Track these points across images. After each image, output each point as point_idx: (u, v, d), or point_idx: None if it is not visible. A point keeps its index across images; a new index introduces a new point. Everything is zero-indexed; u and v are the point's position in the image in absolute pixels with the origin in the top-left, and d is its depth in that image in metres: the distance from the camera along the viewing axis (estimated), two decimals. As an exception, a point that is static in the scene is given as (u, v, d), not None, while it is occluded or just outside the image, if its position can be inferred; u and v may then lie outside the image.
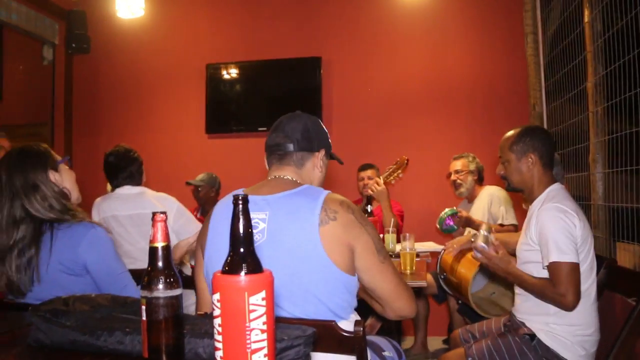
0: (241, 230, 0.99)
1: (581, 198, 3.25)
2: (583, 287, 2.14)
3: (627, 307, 2.41)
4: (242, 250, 0.98)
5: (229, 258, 0.98)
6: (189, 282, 2.69)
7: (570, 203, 2.19)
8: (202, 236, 1.73)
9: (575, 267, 2.05)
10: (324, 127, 1.80)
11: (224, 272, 0.98)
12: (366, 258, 1.57)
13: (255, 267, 0.98)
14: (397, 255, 2.99)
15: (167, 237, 1.09)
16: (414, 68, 4.86)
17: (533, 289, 2.18)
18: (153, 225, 1.08)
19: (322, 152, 1.76)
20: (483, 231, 2.35)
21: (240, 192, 1.68)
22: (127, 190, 3.02)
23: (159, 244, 1.08)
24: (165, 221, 1.09)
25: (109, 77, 5.41)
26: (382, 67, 4.90)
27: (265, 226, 1.56)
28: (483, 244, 2.30)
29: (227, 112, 5.14)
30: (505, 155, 2.37)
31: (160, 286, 1.06)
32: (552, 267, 2.08)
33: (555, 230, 2.10)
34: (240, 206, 1.01)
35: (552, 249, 2.08)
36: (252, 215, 1.53)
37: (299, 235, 1.53)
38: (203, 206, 4.49)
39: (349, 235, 1.54)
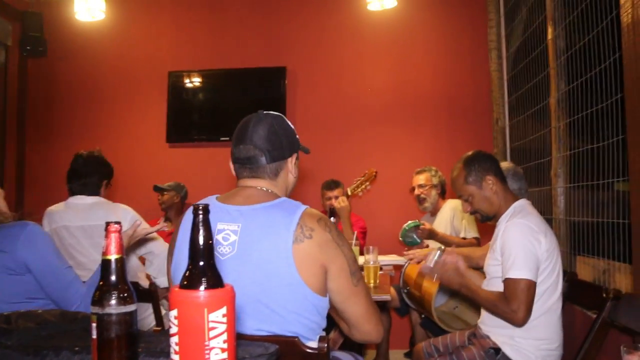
0: (201, 242, 0.93)
1: (542, 212, 3.27)
2: (549, 302, 2.15)
3: (587, 320, 2.43)
4: (201, 263, 0.93)
5: (188, 272, 0.93)
6: (146, 295, 2.62)
7: (536, 219, 2.20)
8: (171, 245, 1.65)
9: (531, 285, 2.06)
10: (290, 124, 1.69)
11: (182, 286, 0.92)
12: (340, 280, 1.51)
13: (215, 281, 0.92)
14: (360, 268, 2.94)
15: (121, 249, 1.02)
16: (379, 81, 4.86)
17: (485, 302, 2.19)
18: (106, 236, 1.01)
19: (294, 155, 1.68)
20: (437, 249, 2.37)
21: (212, 199, 1.62)
22: (80, 200, 2.87)
23: (113, 257, 1.01)
24: (119, 232, 1.02)
25: (67, 82, 5.25)
26: (348, 79, 4.89)
27: (236, 239, 1.48)
28: (435, 259, 2.31)
29: (189, 120, 5.04)
30: (465, 193, 2.34)
31: (113, 302, 0.99)
32: (509, 283, 2.08)
33: (518, 247, 2.10)
34: (201, 216, 0.95)
35: (512, 265, 2.08)
36: (224, 226, 1.51)
37: (271, 252, 1.46)
38: (167, 212, 4.42)
39: (324, 255, 1.48)
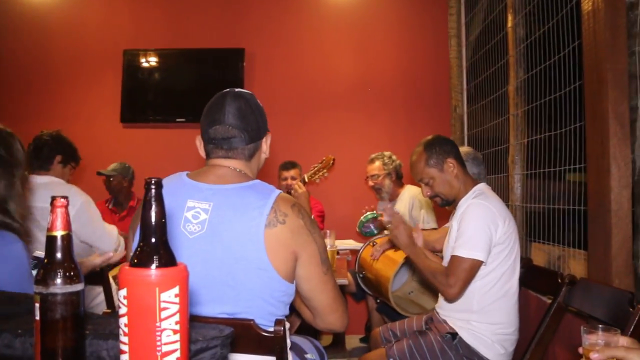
0: (153, 218, 0.88)
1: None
2: (506, 287, 2.17)
3: (542, 305, 2.47)
4: (153, 240, 0.87)
5: (139, 249, 0.87)
6: (97, 278, 2.52)
7: (497, 202, 2.20)
8: (135, 220, 1.59)
9: (475, 265, 2.08)
10: (259, 103, 1.66)
11: (132, 264, 0.87)
12: (310, 267, 1.49)
13: (168, 259, 0.87)
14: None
15: (67, 224, 0.96)
16: (338, 65, 4.83)
17: (426, 269, 2.18)
18: (52, 212, 0.95)
19: (268, 134, 1.65)
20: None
21: (183, 175, 1.56)
22: (31, 179, 2.74)
23: (58, 233, 0.95)
24: (66, 207, 0.96)
25: (14, 59, 5.00)
26: (306, 63, 4.84)
27: (206, 217, 1.44)
28: (397, 210, 2.30)
29: (144, 101, 4.89)
30: (425, 176, 2.31)
31: (58, 280, 0.93)
32: (455, 259, 2.10)
33: (474, 227, 2.11)
34: (153, 191, 0.89)
35: (463, 244, 2.10)
36: (194, 203, 1.47)
37: (243, 234, 1.42)
38: (116, 197, 4.28)
39: (296, 241, 1.46)
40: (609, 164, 1.79)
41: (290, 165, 4.15)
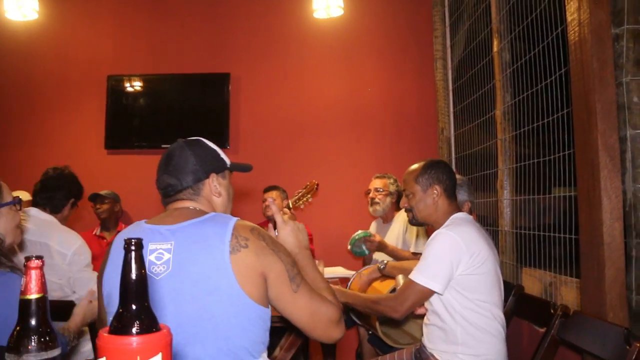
0: (133, 282, 0.84)
1: (488, 223, 3.29)
2: (489, 318, 2.12)
3: (535, 334, 2.43)
4: (134, 306, 0.83)
5: (118, 314, 0.83)
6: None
7: (469, 234, 2.15)
8: (101, 270, 1.58)
9: (426, 293, 2.13)
10: (210, 147, 1.68)
11: (111, 331, 0.82)
12: (278, 287, 1.48)
13: (149, 325, 0.83)
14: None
15: (42, 287, 0.91)
16: (325, 89, 4.80)
17: (365, 301, 2.30)
18: (26, 273, 0.90)
19: (212, 176, 1.64)
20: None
21: (141, 223, 1.58)
22: (34, 212, 2.72)
23: (33, 296, 0.90)
24: (41, 268, 0.91)
25: (-3, 85, 4.95)
26: (292, 87, 4.81)
27: (170, 257, 1.44)
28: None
29: (129, 127, 4.82)
30: (410, 188, 2.34)
31: (33, 347, 0.88)
32: (409, 282, 2.15)
33: (435, 256, 2.13)
34: (133, 253, 0.85)
35: (421, 269, 2.13)
36: (156, 245, 1.46)
37: (208, 265, 1.42)
38: (104, 222, 4.23)
39: (261, 263, 1.45)
40: (600, 197, 1.77)
41: (270, 187, 4.23)
